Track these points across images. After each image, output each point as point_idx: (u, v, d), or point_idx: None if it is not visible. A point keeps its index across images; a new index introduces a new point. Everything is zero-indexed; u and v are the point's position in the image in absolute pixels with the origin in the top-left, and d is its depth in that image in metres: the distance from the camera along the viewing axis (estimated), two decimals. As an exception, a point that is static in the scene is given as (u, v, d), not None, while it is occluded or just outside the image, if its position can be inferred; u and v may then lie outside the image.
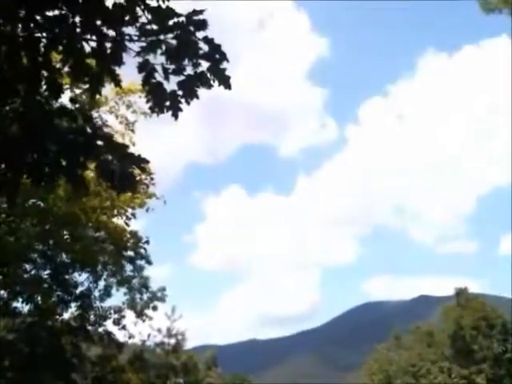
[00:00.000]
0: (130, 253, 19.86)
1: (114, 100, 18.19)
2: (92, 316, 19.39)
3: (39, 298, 17.91)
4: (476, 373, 43.39)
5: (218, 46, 4.74)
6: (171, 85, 4.93)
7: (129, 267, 20.11)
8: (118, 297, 20.50)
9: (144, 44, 4.82)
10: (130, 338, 20.99)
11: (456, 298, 47.87)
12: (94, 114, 17.28)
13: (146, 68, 4.89)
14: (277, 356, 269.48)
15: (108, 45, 4.96)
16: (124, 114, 18.63)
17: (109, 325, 19.98)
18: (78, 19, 4.85)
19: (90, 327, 19.49)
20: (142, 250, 19.95)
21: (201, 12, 4.74)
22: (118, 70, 5.12)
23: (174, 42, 4.76)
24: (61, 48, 4.99)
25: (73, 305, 18.94)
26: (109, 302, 19.98)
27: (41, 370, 17.19)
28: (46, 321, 18.34)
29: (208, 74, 4.78)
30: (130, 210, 19.21)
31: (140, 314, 20.84)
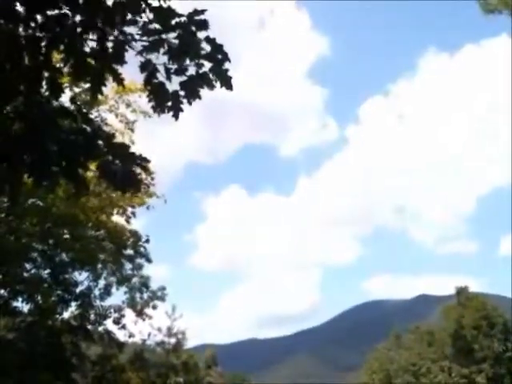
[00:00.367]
0: (130, 251, 19.88)
1: (114, 99, 18.19)
2: (92, 315, 19.37)
3: (39, 298, 17.89)
4: (476, 372, 43.41)
5: (220, 46, 4.74)
6: (173, 85, 4.93)
7: (128, 266, 20.13)
8: (118, 296, 20.51)
9: (146, 43, 4.82)
10: (130, 337, 20.93)
11: (456, 297, 47.89)
12: (94, 113, 17.30)
13: (148, 68, 4.89)
14: (277, 356, 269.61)
15: (110, 44, 4.95)
16: (124, 113, 18.64)
17: (109, 324, 19.99)
18: (78, 18, 4.85)
19: (89, 326, 19.46)
20: (142, 249, 19.97)
21: (202, 12, 4.74)
22: (120, 69, 5.13)
23: (176, 41, 4.76)
24: (62, 47, 4.99)
25: (73, 304, 18.90)
26: (109, 301, 19.99)
27: (41, 369, 17.18)
28: (46, 320, 18.31)
29: (210, 75, 4.78)
30: (129, 209, 19.24)
31: (140, 313, 20.83)
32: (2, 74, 4.90)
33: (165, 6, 4.84)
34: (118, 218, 19.40)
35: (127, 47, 4.91)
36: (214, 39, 4.76)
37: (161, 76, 4.94)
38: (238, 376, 59.73)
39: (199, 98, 4.94)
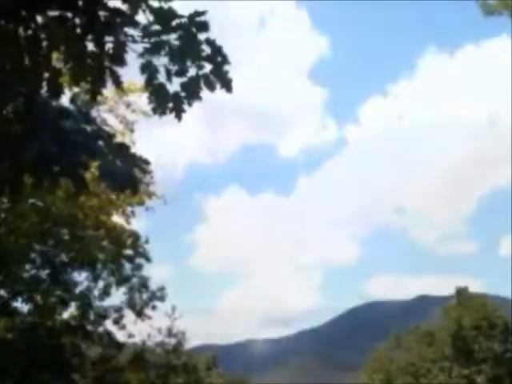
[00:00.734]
0: (130, 251, 19.88)
1: (114, 99, 18.21)
2: (91, 315, 19.37)
3: (39, 298, 17.89)
4: (476, 372, 43.39)
5: (220, 48, 4.75)
6: (174, 86, 4.94)
7: (128, 266, 20.14)
8: (118, 296, 20.53)
9: (147, 45, 4.83)
10: (129, 337, 20.95)
11: (456, 297, 47.87)
12: (94, 112, 17.30)
13: (148, 69, 4.90)
14: (277, 356, 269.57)
15: (110, 45, 4.96)
16: (123, 114, 18.66)
17: (108, 324, 19.99)
18: (79, 20, 4.86)
19: (89, 326, 19.47)
20: (141, 249, 19.97)
21: (202, 13, 4.75)
22: (120, 71, 5.14)
23: (176, 43, 4.77)
24: (62, 48, 5.00)
25: (72, 304, 18.94)
26: (108, 302, 20.00)
27: (40, 369, 17.18)
28: (45, 321, 18.32)
29: (210, 77, 4.79)
30: (129, 209, 19.24)
31: (140, 314, 20.83)
32: (3, 75, 4.91)
33: (165, 7, 4.84)
34: (117, 219, 19.44)
35: (128, 49, 4.92)
36: (214, 41, 4.77)
37: (161, 77, 4.95)
38: (239, 376, 59.72)
39: (199, 99, 4.95)
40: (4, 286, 17.52)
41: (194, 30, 4.78)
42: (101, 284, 19.71)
